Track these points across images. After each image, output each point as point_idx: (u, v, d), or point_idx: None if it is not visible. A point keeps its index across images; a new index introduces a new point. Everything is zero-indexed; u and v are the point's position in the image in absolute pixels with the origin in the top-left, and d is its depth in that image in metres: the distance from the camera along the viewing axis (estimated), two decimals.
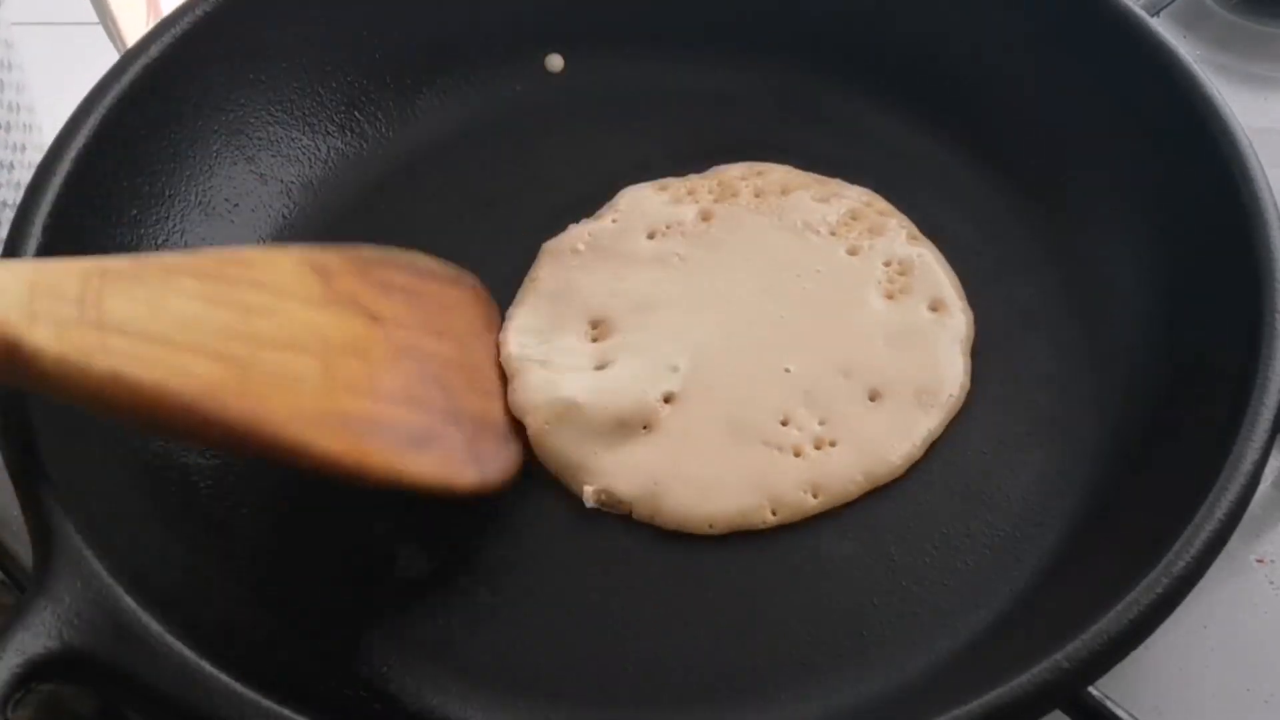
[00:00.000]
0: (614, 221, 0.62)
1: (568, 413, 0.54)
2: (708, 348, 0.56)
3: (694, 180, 0.63)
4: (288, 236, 0.61)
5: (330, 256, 0.54)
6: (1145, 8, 0.62)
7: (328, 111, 0.65)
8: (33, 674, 0.41)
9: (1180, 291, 0.55)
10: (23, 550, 0.53)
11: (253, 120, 0.62)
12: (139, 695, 0.43)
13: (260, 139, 0.63)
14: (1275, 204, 0.53)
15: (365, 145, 0.65)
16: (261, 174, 0.63)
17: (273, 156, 0.63)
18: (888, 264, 0.59)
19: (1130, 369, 0.55)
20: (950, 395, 0.55)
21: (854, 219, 0.61)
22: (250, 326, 0.49)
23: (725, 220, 0.61)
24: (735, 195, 0.62)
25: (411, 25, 0.66)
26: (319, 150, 0.64)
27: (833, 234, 0.60)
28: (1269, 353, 0.49)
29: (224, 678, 0.42)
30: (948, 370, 0.56)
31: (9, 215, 0.67)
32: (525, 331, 0.58)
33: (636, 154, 0.64)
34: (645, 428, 0.54)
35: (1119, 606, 0.43)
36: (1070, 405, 0.56)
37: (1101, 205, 0.60)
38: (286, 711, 0.42)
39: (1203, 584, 0.45)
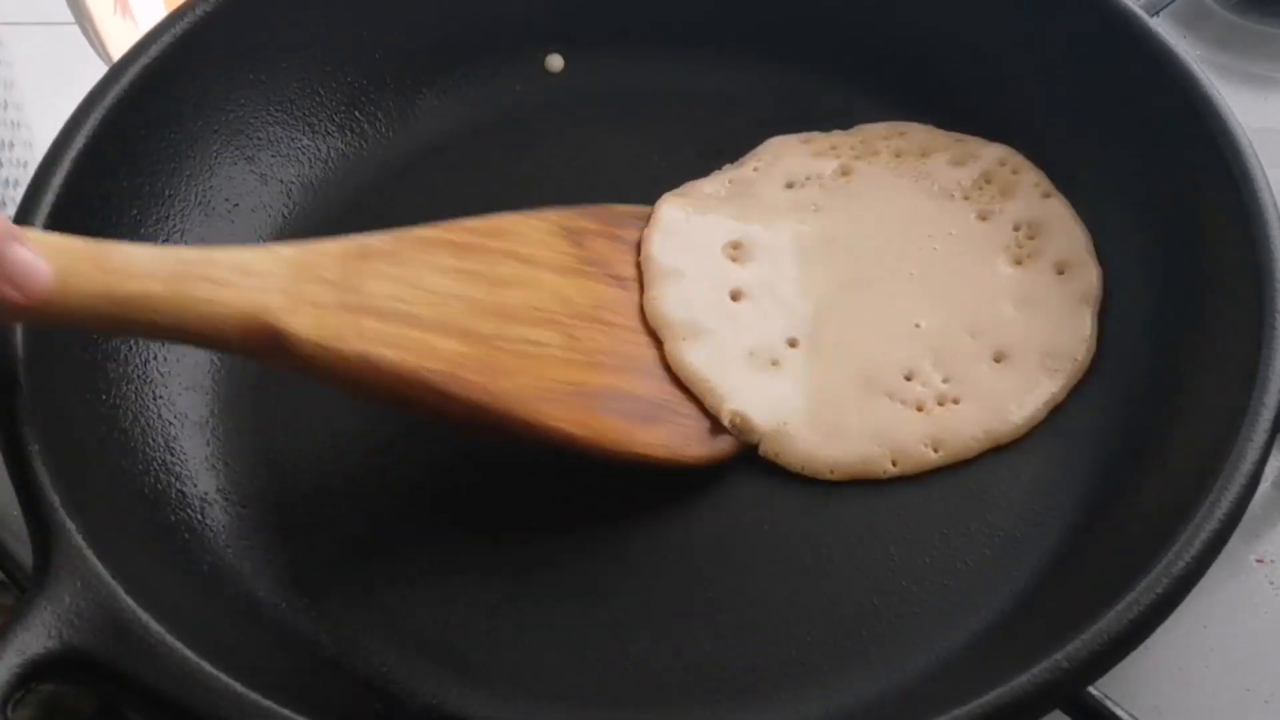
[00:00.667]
0: (755, 170, 0.63)
1: (703, 335, 0.55)
2: (837, 297, 0.57)
3: (838, 136, 0.64)
4: (287, 237, 0.61)
5: (583, 219, 0.56)
6: (1145, 8, 0.62)
7: (328, 111, 0.65)
8: (33, 674, 0.41)
9: (1180, 292, 0.55)
10: (23, 550, 0.53)
11: (253, 120, 0.62)
12: (139, 695, 0.43)
13: (260, 139, 0.63)
14: (1275, 204, 0.53)
15: (365, 145, 0.65)
16: (261, 174, 0.63)
17: (273, 156, 0.63)
18: (1016, 228, 0.60)
19: (1130, 369, 0.55)
20: (1075, 360, 0.56)
21: (987, 182, 0.61)
22: (499, 300, 0.51)
23: (864, 177, 0.62)
24: (876, 154, 0.63)
25: (411, 25, 0.66)
26: (319, 150, 0.64)
27: (966, 198, 0.61)
28: (1269, 353, 0.48)
29: (224, 678, 0.42)
30: (1072, 334, 0.56)
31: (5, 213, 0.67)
32: (670, 235, 0.58)
33: (636, 154, 0.64)
34: (774, 364, 0.55)
35: (1119, 606, 0.43)
36: (1070, 405, 0.56)
37: (1101, 205, 0.60)
38: (286, 711, 0.42)
39: (1203, 584, 0.45)
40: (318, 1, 0.64)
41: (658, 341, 0.55)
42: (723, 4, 0.68)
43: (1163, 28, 0.60)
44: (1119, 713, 0.45)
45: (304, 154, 0.64)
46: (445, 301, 0.49)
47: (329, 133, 0.65)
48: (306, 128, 0.64)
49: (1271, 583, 0.54)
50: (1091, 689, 0.45)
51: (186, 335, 0.45)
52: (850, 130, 0.64)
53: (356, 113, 0.65)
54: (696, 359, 0.55)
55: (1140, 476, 0.52)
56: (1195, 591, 0.44)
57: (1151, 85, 0.58)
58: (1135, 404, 0.54)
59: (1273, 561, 0.55)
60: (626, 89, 0.67)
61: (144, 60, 0.58)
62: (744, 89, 0.67)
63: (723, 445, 0.54)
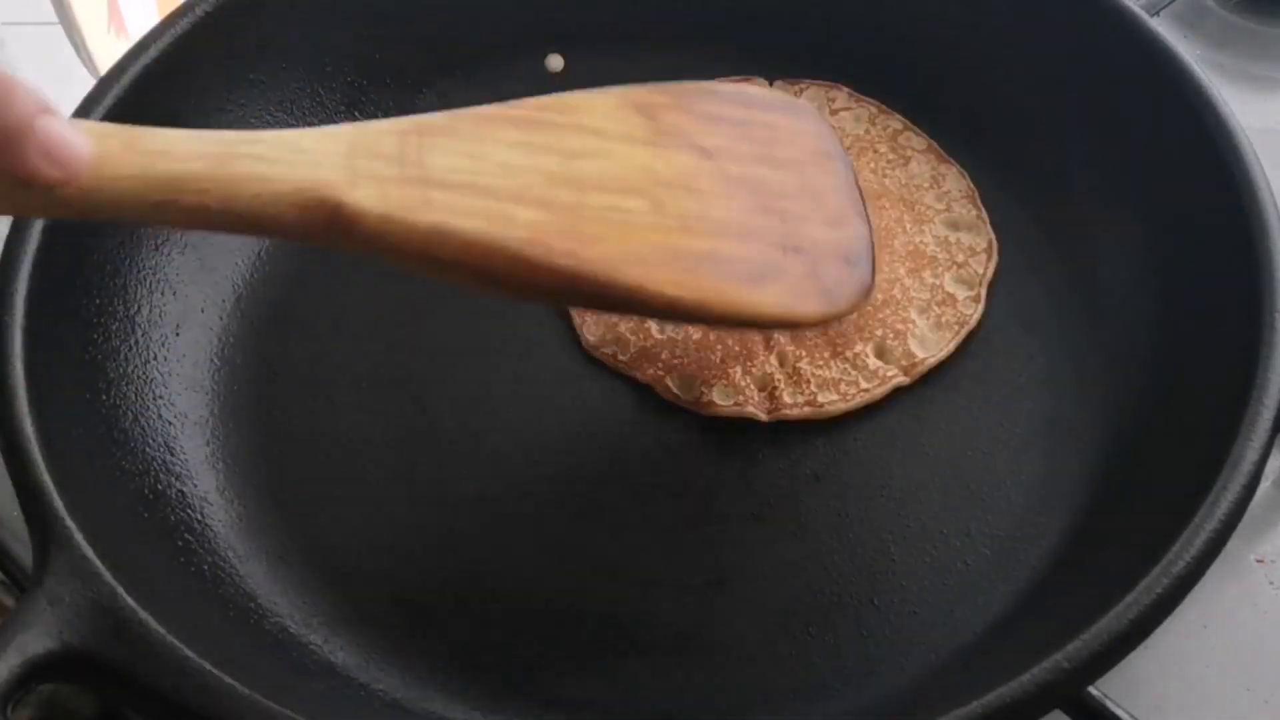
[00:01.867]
0: None
1: None
2: None
3: None
4: None
5: (653, 94, 0.52)
6: (1145, 8, 0.62)
7: (328, 111, 0.65)
8: (33, 674, 0.41)
9: (1180, 291, 0.55)
10: (23, 550, 0.53)
11: (253, 120, 0.62)
12: (139, 695, 0.43)
13: None
14: (1275, 204, 0.53)
15: None
16: None
17: None
18: None
19: (1130, 369, 0.55)
20: None
21: None
22: (575, 170, 0.47)
23: None
24: None
25: (411, 25, 0.66)
26: None
27: None
28: (1269, 353, 0.49)
29: (224, 678, 0.42)
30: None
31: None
32: None
33: None
34: None
35: (1119, 606, 0.43)
36: (1070, 405, 0.56)
37: (1102, 205, 0.60)
38: (286, 711, 0.42)
39: (1203, 584, 0.45)
40: (318, 1, 0.64)
41: (757, 203, 0.52)
42: (722, 5, 0.68)
43: (1163, 28, 0.60)
44: (1119, 713, 0.45)
45: None
46: (517, 173, 0.46)
47: None
48: (306, 128, 0.64)
49: (1271, 583, 0.54)
50: (1091, 689, 0.45)
51: (238, 220, 0.42)
52: None
53: (356, 113, 0.65)
54: None
55: (1140, 477, 0.52)
56: (1195, 591, 0.44)
57: (1151, 85, 0.58)
58: (1135, 404, 0.54)
59: (1273, 561, 0.55)
60: None
61: (143, 61, 0.58)
62: None
63: (839, 301, 0.52)
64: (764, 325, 0.50)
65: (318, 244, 0.44)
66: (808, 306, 0.51)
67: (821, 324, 0.51)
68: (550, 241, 0.45)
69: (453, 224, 0.44)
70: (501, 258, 0.44)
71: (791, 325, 0.50)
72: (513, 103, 0.50)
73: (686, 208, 0.49)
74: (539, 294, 0.48)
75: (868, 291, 0.53)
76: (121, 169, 0.39)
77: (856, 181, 0.56)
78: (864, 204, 0.55)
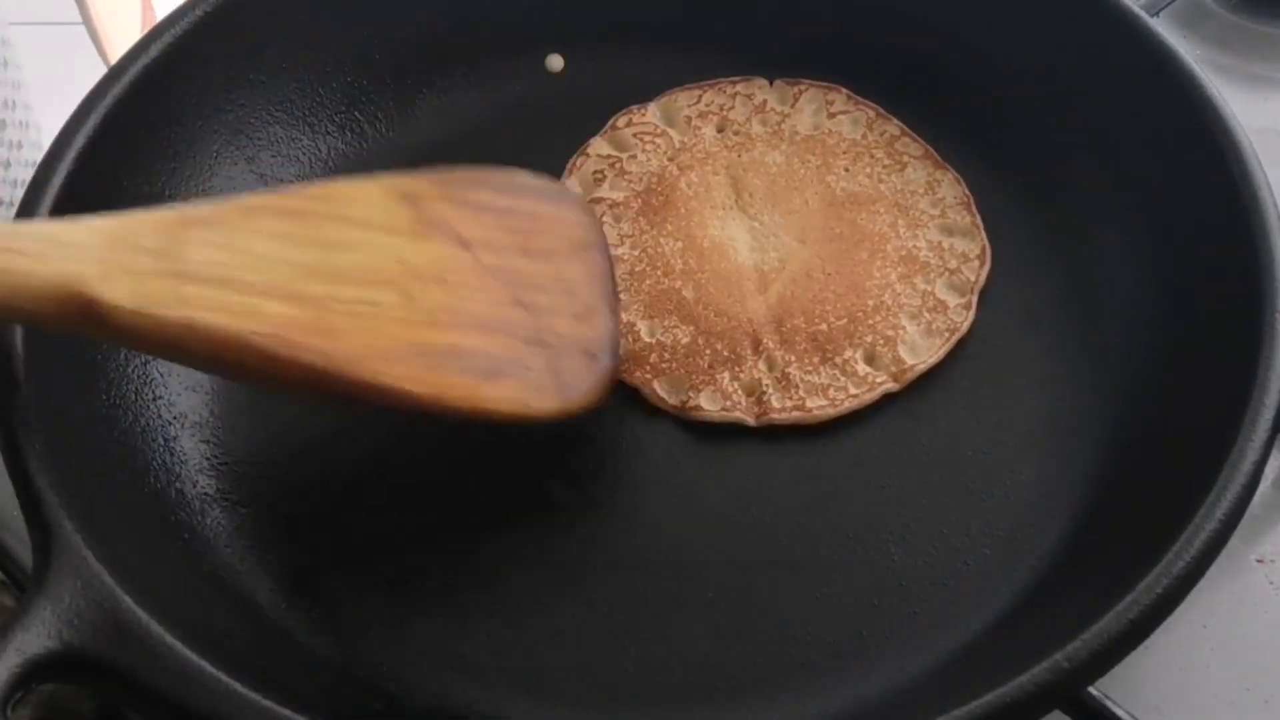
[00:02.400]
0: None
1: None
2: None
3: None
4: None
5: (420, 183, 0.54)
6: (1145, 8, 0.62)
7: (328, 111, 0.65)
8: (33, 674, 0.41)
9: (1180, 291, 0.55)
10: (23, 550, 0.53)
11: (253, 120, 0.62)
12: (139, 695, 0.43)
13: (260, 139, 0.63)
14: (1275, 204, 0.53)
15: (365, 145, 0.65)
16: (261, 174, 0.63)
17: (273, 156, 0.63)
18: None
19: (1130, 369, 0.55)
20: None
21: None
22: (330, 262, 0.49)
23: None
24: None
25: (411, 25, 0.66)
26: (319, 150, 0.64)
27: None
28: (1269, 353, 0.49)
29: (224, 678, 0.42)
30: None
31: (5, 213, 0.67)
32: None
33: None
34: None
35: (1119, 606, 0.43)
36: (1070, 405, 0.56)
37: (1102, 205, 0.60)
38: (286, 711, 0.42)
39: (1203, 584, 0.45)
40: (318, 1, 0.64)
41: (508, 295, 0.53)
42: (722, 5, 0.68)
43: (1163, 28, 0.60)
44: (1119, 713, 0.45)
45: (304, 154, 0.64)
46: (272, 266, 0.47)
47: (329, 133, 0.65)
48: (306, 128, 0.64)
49: (1271, 583, 0.54)
50: (1091, 689, 0.45)
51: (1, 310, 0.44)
52: None
53: (356, 113, 0.65)
54: None
55: (1140, 477, 0.52)
56: (1195, 591, 0.44)
57: (1151, 85, 0.58)
58: (1135, 404, 0.54)
59: (1273, 561, 0.55)
60: (626, 89, 0.66)
61: (144, 60, 0.58)
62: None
63: (573, 398, 0.53)
64: (497, 420, 0.51)
65: (78, 334, 0.46)
66: (542, 402, 0.52)
67: (555, 419, 0.52)
68: (294, 337, 0.47)
69: (201, 319, 0.45)
70: (247, 351, 0.46)
71: (524, 421, 0.51)
72: (284, 191, 0.52)
73: (436, 300, 0.51)
74: (289, 386, 0.49)
75: (608, 383, 0.54)
76: None
77: (612, 272, 0.57)
78: (616, 297, 0.57)
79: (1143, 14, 0.60)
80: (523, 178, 0.57)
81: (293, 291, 0.47)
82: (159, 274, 0.45)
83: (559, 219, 0.57)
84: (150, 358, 0.56)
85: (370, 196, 0.52)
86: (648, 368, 0.57)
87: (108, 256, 0.44)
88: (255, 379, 0.49)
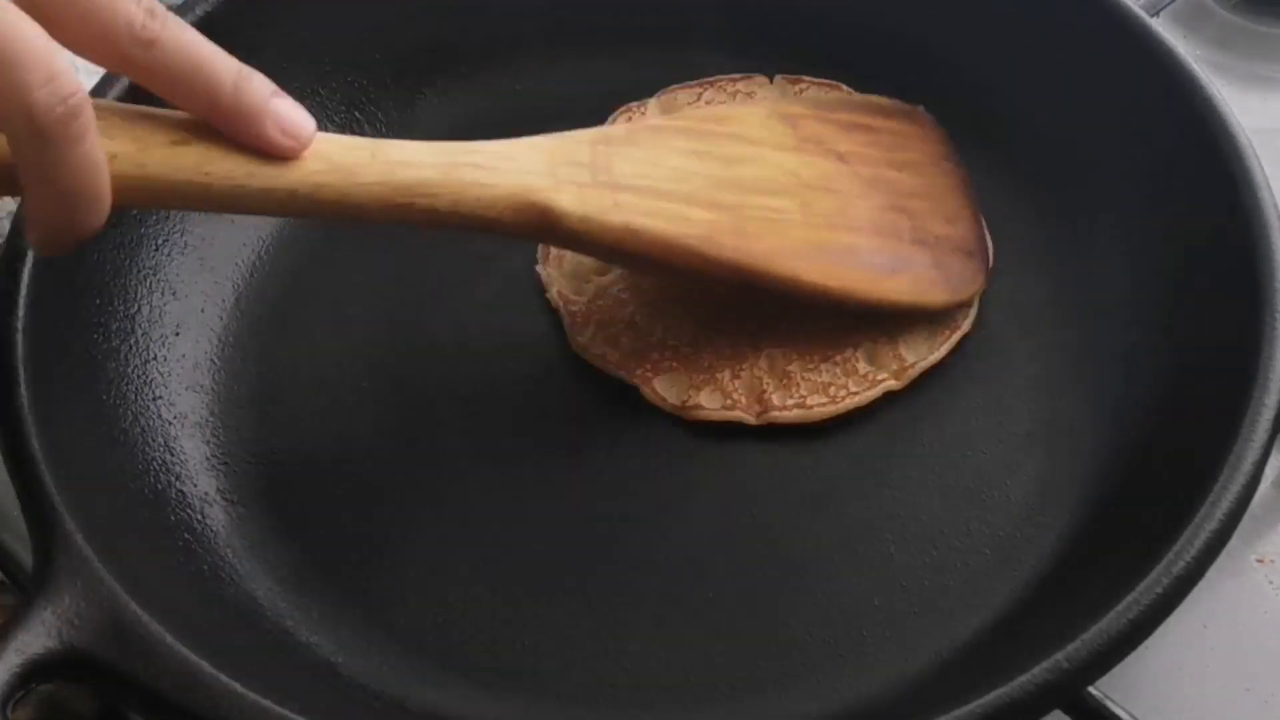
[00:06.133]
0: None
1: None
2: None
3: None
4: (288, 236, 0.61)
5: (794, 106, 0.61)
6: (1145, 8, 0.62)
7: (328, 111, 0.64)
8: (33, 674, 0.41)
9: (1180, 291, 0.55)
10: (23, 550, 0.53)
11: None
12: (139, 695, 0.43)
13: None
14: (1275, 204, 0.53)
15: None
16: None
17: None
18: None
19: (1130, 369, 0.55)
20: None
21: None
22: (735, 174, 0.56)
23: None
24: None
25: (411, 25, 0.66)
26: None
27: None
28: (1269, 353, 0.49)
29: (224, 678, 0.42)
30: None
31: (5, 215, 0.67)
32: None
33: None
34: None
35: (1119, 606, 0.43)
36: (1070, 405, 0.56)
37: (1101, 205, 0.60)
38: (286, 711, 0.42)
39: (1203, 584, 0.45)
40: (318, 2, 0.64)
41: (887, 202, 0.59)
42: (722, 6, 0.67)
43: (1163, 28, 0.60)
44: (1119, 713, 0.45)
45: None
46: (688, 177, 0.54)
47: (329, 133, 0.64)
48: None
49: (1271, 583, 0.54)
50: (1091, 689, 0.45)
51: (462, 218, 0.48)
52: None
53: (356, 113, 0.65)
54: None
55: (1140, 476, 0.52)
56: (1195, 591, 0.44)
57: (1151, 85, 0.58)
58: (1135, 404, 0.54)
59: (1273, 561, 0.55)
60: (626, 89, 0.66)
61: None
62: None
63: (961, 289, 0.58)
64: (898, 310, 0.57)
65: (528, 238, 0.55)
66: (935, 295, 0.57)
67: (945, 309, 0.57)
68: (721, 238, 0.53)
69: (639, 223, 0.51)
70: (680, 252, 0.52)
71: (922, 310, 0.57)
72: (676, 115, 0.61)
73: (829, 206, 0.57)
74: (709, 279, 0.55)
75: (985, 280, 0.59)
76: (370, 175, 0.46)
77: (968, 179, 0.62)
78: (974, 200, 0.61)
79: (1143, 14, 0.60)
80: (880, 101, 0.63)
81: (710, 199, 0.54)
82: (596, 185, 0.51)
83: (916, 135, 0.62)
84: (150, 357, 0.56)
85: (755, 117, 0.59)
86: (648, 366, 0.57)
87: (552, 170, 0.50)
88: (683, 274, 0.54)
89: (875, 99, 0.63)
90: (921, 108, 0.63)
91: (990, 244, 0.60)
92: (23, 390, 0.48)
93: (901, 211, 0.59)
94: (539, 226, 0.50)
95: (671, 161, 0.54)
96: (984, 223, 0.61)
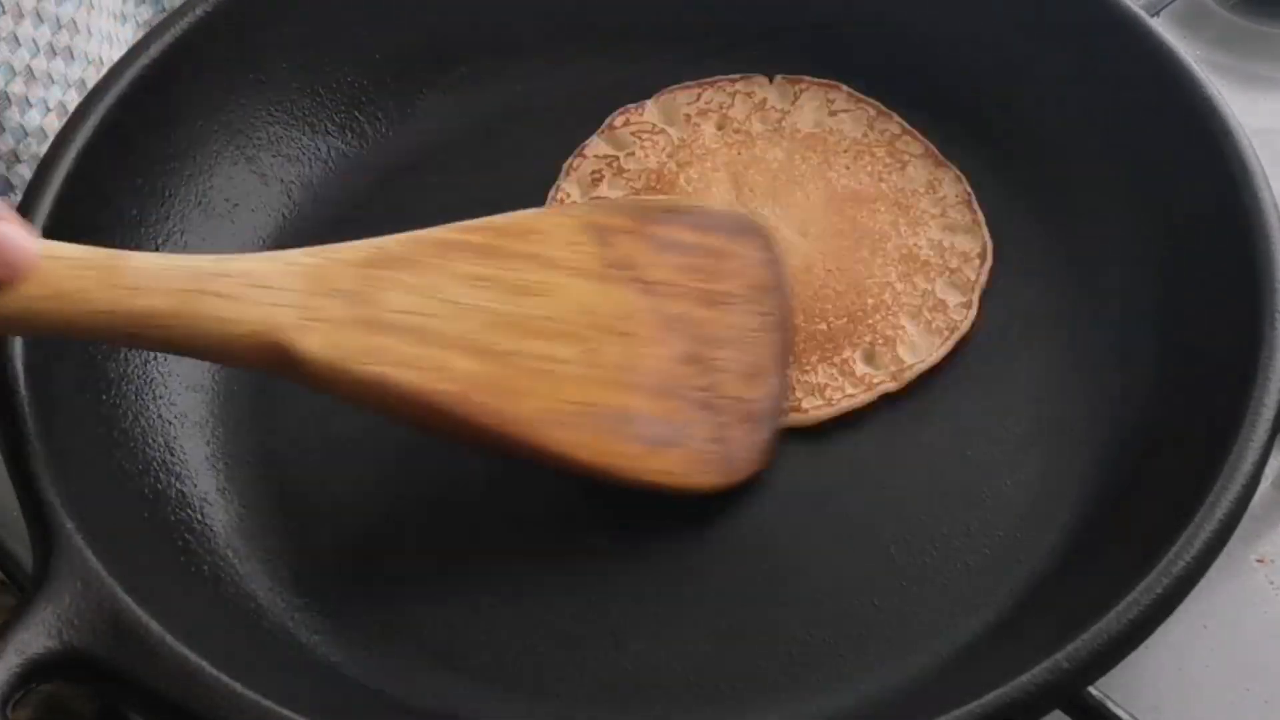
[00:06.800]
0: None
1: None
2: None
3: None
4: (288, 236, 0.61)
5: (612, 215, 0.54)
6: (1145, 8, 0.62)
7: (328, 111, 0.65)
8: (33, 674, 0.41)
9: (1180, 292, 0.55)
10: (23, 550, 0.53)
11: (253, 120, 0.62)
12: (139, 695, 0.43)
13: (260, 139, 0.63)
14: (1275, 204, 0.53)
15: (365, 145, 0.65)
16: (261, 174, 0.63)
17: (273, 156, 0.63)
18: None
19: (1130, 369, 0.55)
20: None
21: None
22: (520, 311, 0.50)
23: None
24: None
25: (411, 25, 0.66)
26: (319, 150, 0.64)
27: None
28: (1269, 353, 0.49)
29: (224, 678, 0.42)
30: None
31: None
32: None
33: None
34: None
35: (1119, 606, 0.43)
36: (1070, 405, 0.56)
37: (1101, 205, 0.60)
38: (286, 711, 0.42)
39: (1203, 584, 0.45)
40: (318, 2, 0.64)
41: (684, 351, 0.53)
42: (722, 6, 0.68)
43: (1163, 28, 0.60)
44: (1119, 713, 0.45)
45: (304, 154, 0.64)
46: (465, 314, 0.49)
47: (329, 133, 0.65)
48: (306, 128, 0.64)
49: (1271, 583, 0.54)
50: (1091, 689, 0.45)
51: (198, 352, 0.46)
52: None
53: (356, 113, 0.65)
54: None
55: (1140, 476, 0.52)
56: (1195, 591, 0.44)
57: (1151, 85, 0.58)
58: (1135, 404, 0.54)
59: (1273, 561, 0.55)
60: (627, 89, 0.66)
61: (144, 60, 0.58)
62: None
63: (734, 470, 0.53)
64: (658, 489, 0.52)
65: (270, 374, 0.48)
66: (704, 476, 0.52)
67: (713, 492, 0.52)
68: (479, 397, 0.48)
69: (391, 375, 0.47)
70: (431, 410, 0.48)
71: (684, 492, 0.52)
72: (472, 224, 0.51)
73: (615, 357, 0.51)
74: (462, 441, 0.50)
75: (768, 455, 0.54)
76: (96, 303, 0.43)
77: (789, 320, 0.57)
78: (789, 349, 0.56)
79: (1143, 14, 0.60)
80: (712, 210, 0.58)
81: (481, 345, 0.49)
82: (353, 322, 0.46)
83: (743, 258, 0.56)
84: (150, 357, 0.56)
85: (564, 230, 0.53)
86: None
87: (305, 302, 0.46)
88: (434, 432, 0.50)
89: (709, 210, 0.58)
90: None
91: (990, 243, 0.60)
92: (23, 390, 0.48)
93: (698, 364, 0.53)
94: (281, 365, 0.46)
95: (450, 291, 0.48)
96: (787, 380, 0.55)
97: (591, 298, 0.52)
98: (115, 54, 0.65)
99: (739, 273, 0.56)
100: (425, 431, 0.50)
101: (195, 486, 0.54)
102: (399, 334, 0.47)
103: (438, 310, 0.48)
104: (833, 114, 0.65)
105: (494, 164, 0.65)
